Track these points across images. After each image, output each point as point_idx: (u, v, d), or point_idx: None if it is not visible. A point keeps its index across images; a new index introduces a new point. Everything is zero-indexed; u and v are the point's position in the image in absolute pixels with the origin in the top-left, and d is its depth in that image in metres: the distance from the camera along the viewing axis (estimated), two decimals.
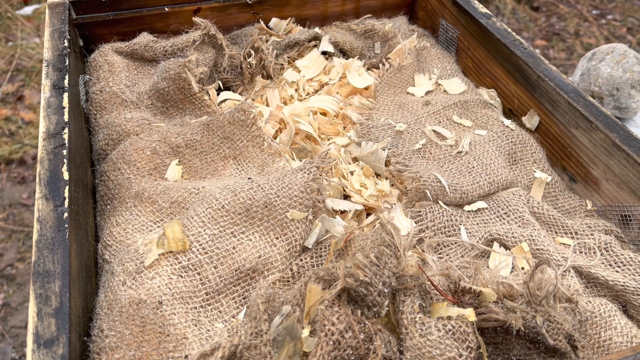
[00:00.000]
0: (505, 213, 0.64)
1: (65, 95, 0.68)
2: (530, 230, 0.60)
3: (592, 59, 1.23)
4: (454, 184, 0.64)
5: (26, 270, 1.68)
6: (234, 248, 0.56)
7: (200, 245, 0.55)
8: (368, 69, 0.91)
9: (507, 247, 0.60)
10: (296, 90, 0.87)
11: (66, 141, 0.62)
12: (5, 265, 1.69)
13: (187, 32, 0.90)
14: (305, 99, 0.86)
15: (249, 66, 0.85)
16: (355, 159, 0.73)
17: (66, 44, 0.77)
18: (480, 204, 0.64)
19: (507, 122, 0.76)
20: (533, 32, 2.88)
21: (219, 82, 0.86)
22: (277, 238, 0.59)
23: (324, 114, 0.82)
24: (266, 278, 0.58)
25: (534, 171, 0.71)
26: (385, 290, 0.48)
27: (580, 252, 0.61)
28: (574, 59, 2.65)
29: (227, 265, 0.55)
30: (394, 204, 0.65)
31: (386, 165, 0.70)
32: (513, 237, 0.60)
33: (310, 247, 0.60)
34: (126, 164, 0.68)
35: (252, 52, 0.85)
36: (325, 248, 0.59)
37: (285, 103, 0.86)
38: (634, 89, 1.16)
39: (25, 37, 2.61)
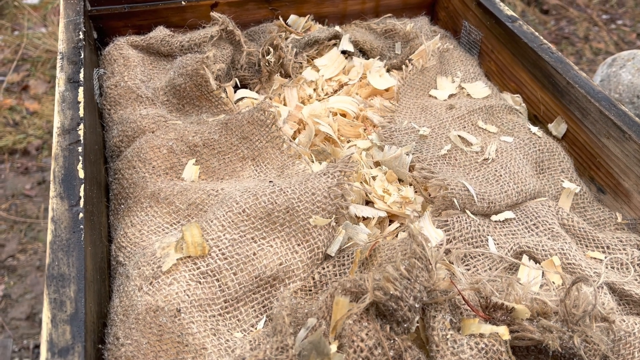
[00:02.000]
0: (534, 224, 0.61)
1: (81, 89, 0.66)
2: (561, 243, 0.58)
3: (612, 65, 1.21)
4: (482, 192, 0.62)
5: (27, 262, 1.66)
6: (254, 254, 0.54)
7: (219, 250, 0.53)
8: (388, 70, 0.89)
9: (536, 261, 0.58)
10: (315, 89, 0.85)
11: (81, 137, 0.60)
12: (7, 257, 1.67)
13: (204, 27, 0.87)
14: (324, 99, 0.84)
15: (267, 64, 0.83)
16: (377, 164, 0.71)
17: (81, 36, 0.75)
18: (508, 214, 0.62)
19: (534, 129, 0.73)
20: (542, 35, 2.85)
21: (236, 79, 0.84)
22: (298, 245, 0.57)
23: (343, 115, 0.79)
24: (287, 286, 0.55)
25: (562, 181, 0.68)
26: (417, 305, 0.45)
27: (613, 267, 0.59)
28: (583, 63, 2.62)
29: (247, 272, 0.53)
30: (423, 213, 0.63)
31: (409, 170, 0.68)
32: (543, 250, 0.58)
33: (333, 255, 0.57)
34: (141, 162, 0.66)
35: (271, 49, 0.83)
36: (348, 256, 0.57)
37: (303, 103, 0.84)
38: None
39: (31, 26, 2.59)
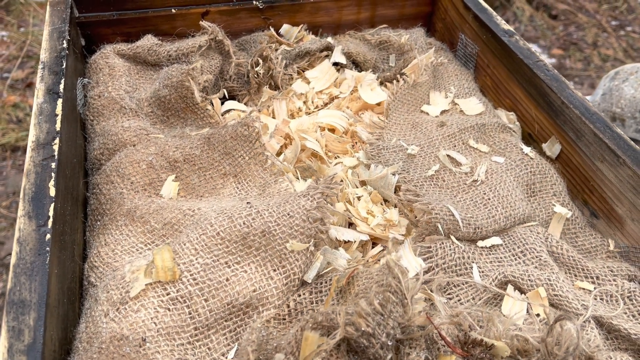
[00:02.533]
0: (522, 252, 0.59)
1: (60, 101, 0.64)
2: (548, 273, 0.56)
3: (615, 78, 1.18)
4: (468, 217, 0.60)
5: None
6: (227, 280, 0.52)
7: (191, 275, 0.51)
8: (381, 82, 0.87)
9: (522, 291, 0.56)
10: (305, 102, 0.83)
11: (56, 152, 0.58)
12: (6, 254, 1.66)
13: (193, 36, 0.86)
14: (313, 112, 0.82)
15: (256, 76, 0.81)
16: (363, 182, 0.69)
17: (65, 44, 0.73)
18: (495, 240, 0.60)
19: (527, 149, 0.71)
20: (550, 40, 2.82)
21: (224, 90, 0.82)
22: (274, 270, 0.55)
23: (332, 130, 0.78)
24: (260, 314, 0.54)
25: (554, 205, 0.66)
26: (389, 343, 0.43)
27: (602, 299, 0.57)
28: (591, 69, 2.59)
29: (219, 299, 0.51)
30: (403, 240, 0.60)
31: (396, 191, 0.66)
32: (529, 279, 0.56)
33: (309, 281, 0.55)
34: (120, 177, 0.64)
35: (260, 60, 0.81)
36: (326, 283, 0.55)
37: (292, 115, 0.82)
38: None
39: (37, 23, 2.58)
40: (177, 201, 0.63)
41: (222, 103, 0.81)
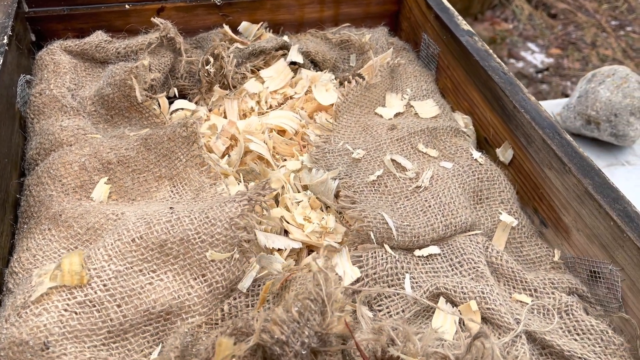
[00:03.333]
0: (459, 262, 0.57)
1: None
2: (482, 285, 0.54)
3: (591, 80, 1.15)
4: (404, 225, 0.58)
5: None
6: (141, 287, 0.50)
7: (101, 281, 0.49)
8: (340, 82, 0.85)
9: (454, 304, 0.54)
10: (258, 102, 0.81)
11: None
12: None
13: (146, 33, 0.84)
14: (266, 112, 0.80)
15: (206, 74, 0.79)
16: (305, 187, 0.67)
17: (5, 40, 0.71)
18: (433, 250, 0.58)
19: (476, 154, 0.69)
20: (549, 39, 2.79)
21: (175, 89, 0.80)
22: (194, 279, 0.52)
23: (282, 131, 0.75)
24: (185, 321, 0.52)
25: (500, 213, 0.64)
26: (303, 352, 0.42)
27: (538, 313, 0.54)
28: (589, 70, 2.55)
29: (134, 305, 0.49)
30: (342, 247, 0.58)
31: (335, 197, 0.64)
32: (462, 292, 0.53)
33: (244, 290, 0.53)
34: (51, 178, 0.62)
35: (211, 59, 0.79)
36: (260, 286, 0.53)
37: (245, 115, 0.79)
38: (633, 115, 1.08)
39: None
40: (104, 205, 0.61)
41: (172, 102, 0.79)
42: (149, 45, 0.79)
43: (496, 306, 0.52)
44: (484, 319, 0.53)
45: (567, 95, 2.38)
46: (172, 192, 0.64)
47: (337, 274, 0.54)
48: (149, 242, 0.51)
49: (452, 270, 0.56)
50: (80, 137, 0.67)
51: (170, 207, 0.56)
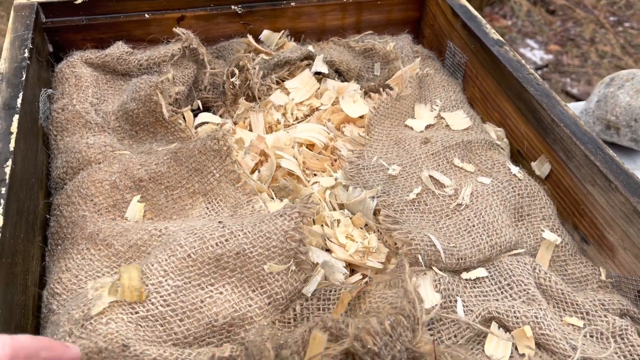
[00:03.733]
0: (508, 284, 0.55)
1: (16, 117, 0.60)
2: (535, 309, 0.52)
3: (610, 84, 1.14)
4: (451, 247, 0.56)
5: None
6: (201, 301, 0.50)
7: (161, 297, 0.48)
8: (365, 92, 0.83)
9: (507, 329, 0.52)
10: (283, 114, 0.79)
11: (7, 176, 0.54)
12: None
13: (167, 43, 0.82)
14: (292, 124, 0.78)
15: (232, 87, 0.77)
16: (341, 206, 0.65)
17: (26, 54, 0.69)
18: (480, 272, 0.56)
19: (515, 169, 0.67)
20: (547, 36, 2.78)
21: (199, 101, 0.78)
22: (253, 291, 0.52)
23: (311, 145, 0.74)
24: (248, 332, 0.51)
25: (542, 230, 0.63)
26: None
27: (592, 337, 0.53)
28: (588, 66, 2.55)
29: (196, 319, 0.49)
30: (387, 265, 0.57)
31: (375, 214, 0.62)
32: (515, 316, 0.52)
33: (308, 295, 0.53)
34: (82, 198, 0.60)
35: (237, 71, 0.77)
36: (334, 292, 0.54)
37: (270, 128, 0.78)
38: None
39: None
40: (142, 223, 0.59)
41: (196, 115, 0.77)
42: (172, 57, 0.77)
43: (551, 331, 0.51)
44: (538, 345, 0.51)
45: (567, 93, 2.37)
46: (207, 208, 0.62)
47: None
48: (204, 257, 0.51)
49: (502, 293, 0.55)
50: (108, 154, 0.65)
51: (219, 222, 0.54)
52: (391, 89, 0.79)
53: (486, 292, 0.55)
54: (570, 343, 0.51)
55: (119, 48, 0.78)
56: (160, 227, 0.56)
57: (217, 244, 0.52)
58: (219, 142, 0.64)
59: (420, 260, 0.54)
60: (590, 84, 2.35)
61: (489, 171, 0.67)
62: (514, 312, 0.52)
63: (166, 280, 0.49)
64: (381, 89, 0.78)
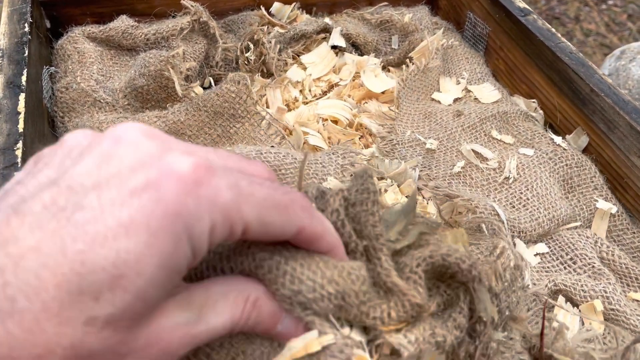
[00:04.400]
0: (571, 259, 0.53)
1: (22, 96, 0.55)
2: (604, 283, 0.50)
3: (621, 57, 1.12)
4: (511, 219, 0.53)
5: None
6: None
7: None
8: (384, 67, 0.79)
9: (574, 303, 0.50)
10: (301, 91, 0.74)
11: (19, 159, 0.49)
12: None
13: (174, 17, 0.76)
14: (311, 101, 0.74)
15: (246, 62, 0.72)
16: (381, 178, 0.61)
17: (27, 28, 0.63)
18: (541, 248, 0.53)
19: (558, 139, 0.64)
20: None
21: (211, 78, 0.73)
22: None
23: (335, 121, 0.69)
24: None
25: (596, 200, 0.60)
26: (507, 314, 0.37)
27: None
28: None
29: None
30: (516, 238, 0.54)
31: (419, 189, 0.59)
32: (582, 290, 0.49)
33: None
34: None
35: (251, 45, 0.72)
36: None
37: (288, 106, 0.73)
38: None
39: None
40: None
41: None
42: (181, 31, 0.71)
43: (621, 307, 0.48)
44: (607, 320, 0.49)
45: None
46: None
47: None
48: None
49: (565, 269, 0.52)
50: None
51: (272, 146, 0.55)
52: (415, 61, 0.75)
53: (548, 268, 0.52)
54: (639, 319, 0.48)
55: (123, 22, 0.72)
56: None
57: (274, 157, 0.51)
58: (237, 83, 0.61)
59: (484, 229, 0.51)
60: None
61: (530, 142, 0.64)
62: (581, 286, 0.49)
63: None
64: (407, 61, 0.74)
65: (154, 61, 0.65)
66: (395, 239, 0.32)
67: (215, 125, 0.61)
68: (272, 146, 0.56)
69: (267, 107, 0.73)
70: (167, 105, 0.63)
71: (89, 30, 0.71)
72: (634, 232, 0.59)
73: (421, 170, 0.59)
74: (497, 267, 0.36)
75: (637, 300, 0.51)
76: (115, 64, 0.71)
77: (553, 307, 0.49)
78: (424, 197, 0.57)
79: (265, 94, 0.73)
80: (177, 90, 0.64)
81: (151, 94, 0.66)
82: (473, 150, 0.62)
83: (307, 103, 0.74)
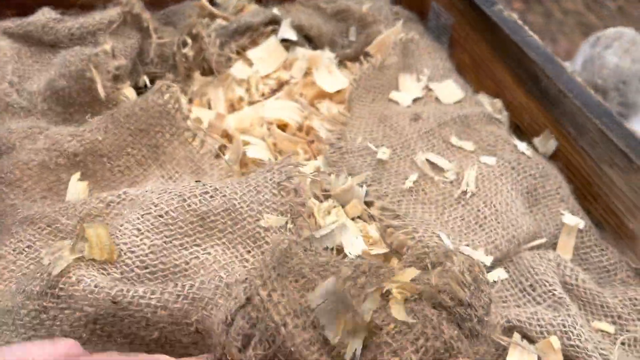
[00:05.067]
0: (531, 285, 0.47)
1: None
2: (563, 315, 0.44)
3: (596, 44, 1.07)
4: (464, 246, 0.48)
5: None
6: (186, 263, 0.42)
7: (136, 257, 0.40)
8: (340, 61, 0.72)
9: (530, 339, 0.44)
10: (247, 90, 0.67)
11: None
12: None
13: (104, 8, 0.68)
14: (258, 101, 0.67)
15: (184, 59, 0.65)
16: (326, 196, 0.55)
17: None
18: (500, 273, 0.48)
19: (522, 145, 0.59)
20: None
21: (145, 77, 0.66)
22: (248, 252, 0.45)
23: (284, 126, 0.63)
24: None
25: (562, 214, 0.54)
26: (485, 319, 0.36)
27: (623, 345, 0.46)
28: (552, 24, 2.51)
29: (181, 284, 0.40)
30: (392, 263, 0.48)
31: (368, 206, 0.53)
32: (539, 324, 0.44)
33: (318, 237, 0.46)
34: (7, 185, 0.50)
35: (189, 40, 0.65)
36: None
37: (233, 106, 0.66)
38: None
39: None
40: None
41: (141, 93, 0.65)
42: (109, 25, 0.64)
43: (581, 342, 0.43)
44: (567, 358, 0.44)
45: None
46: (164, 177, 0.54)
47: None
48: (186, 215, 0.44)
49: (524, 297, 0.47)
50: (35, 136, 0.54)
51: (197, 181, 0.48)
52: (371, 57, 0.68)
53: (506, 296, 0.47)
54: (602, 355, 0.43)
55: (44, 15, 0.65)
56: (117, 193, 0.47)
57: (200, 202, 0.44)
58: (163, 95, 0.55)
59: (429, 264, 0.45)
60: (555, 42, 2.31)
61: (492, 149, 0.59)
62: (538, 320, 0.44)
63: (141, 240, 0.42)
64: (361, 57, 0.67)
65: (74, 60, 0.58)
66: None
67: (140, 145, 0.54)
68: (197, 180, 0.50)
69: (210, 108, 0.66)
70: (87, 117, 0.56)
71: (5, 25, 0.64)
72: (602, 250, 0.54)
73: (369, 185, 0.53)
74: (455, 274, 0.35)
75: (602, 331, 0.46)
76: (35, 62, 0.64)
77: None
78: (369, 217, 0.51)
79: (207, 93, 0.67)
80: (100, 92, 0.57)
81: (73, 97, 0.59)
82: (428, 160, 0.56)
83: (253, 103, 0.67)
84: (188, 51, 0.65)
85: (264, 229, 0.45)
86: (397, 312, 0.32)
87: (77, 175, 0.51)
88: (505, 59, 0.65)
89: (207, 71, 0.68)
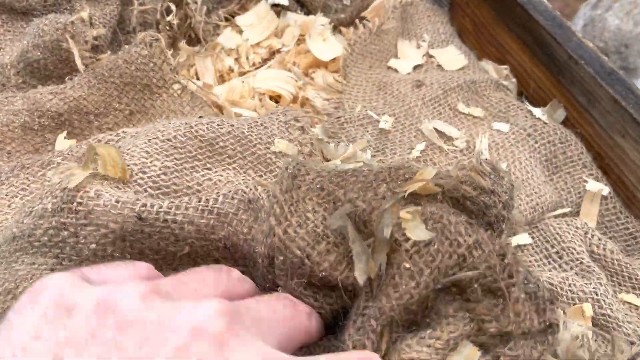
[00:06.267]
0: (557, 252, 0.45)
1: None
2: (594, 283, 0.42)
3: (597, 6, 1.03)
4: None
5: None
6: (199, 184, 0.40)
7: (149, 177, 0.38)
8: (335, 27, 0.68)
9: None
10: (237, 59, 0.63)
11: None
12: None
13: None
14: (249, 71, 0.63)
15: (168, 27, 0.60)
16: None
17: None
18: (524, 238, 0.46)
19: (537, 111, 0.56)
20: None
21: (127, 47, 0.61)
22: (260, 177, 0.44)
23: (277, 97, 0.59)
24: None
25: (585, 181, 0.52)
26: (510, 202, 0.35)
27: None
28: None
29: (205, 198, 0.38)
30: None
31: None
32: (570, 290, 0.42)
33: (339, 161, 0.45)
34: None
35: (173, 6, 0.60)
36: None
37: (222, 77, 0.62)
38: None
39: None
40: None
41: None
42: None
43: (612, 312, 0.41)
44: (596, 326, 0.42)
45: None
46: None
47: None
48: (195, 140, 0.42)
49: (550, 263, 0.45)
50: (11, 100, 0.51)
51: (200, 117, 0.47)
52: (368, 21, 0.64)
53: (531, 262, 0.45)
54: (632, 327, 0.42)
55: None
56: (115, 133, 0.46)
57: (207, 128, 0.43)
58: (149, 46, 0.52)
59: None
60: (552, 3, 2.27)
61: (504, 115, 0.55)
62: (569, 286, 0.42)
63: (151, 162, 0.40)
64: (357, 22, 0.63)
65: (49, 29, 0.53)
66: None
67: (127, 99, 0.51)
68: (200, 116, 0.48)
69: (198, 79, 0.62)
70: (67, 79, 0.53)
71: None
72: (627, 217, 0.51)
73: (373, 155, 0.50)
74: (474, 165, 0.34)
75: (629, 303, 0.44)
76: (7, 31, 0.59)
77: None
78: None
79: (194, 64, 0.62)
80: (78, 65, 0.53)
81: (49, 69, 0.54)
82: (435, 128, 0.52)
83: (244, 74, 0.63)
84: (172, 19, 0.61)
85: (275, 155, 0.44)
86: (413, 230, 0.30)
87: (64, 134, 0.49)
88: (509, 22, 0.62)
89: (194, 40, 0.63)
